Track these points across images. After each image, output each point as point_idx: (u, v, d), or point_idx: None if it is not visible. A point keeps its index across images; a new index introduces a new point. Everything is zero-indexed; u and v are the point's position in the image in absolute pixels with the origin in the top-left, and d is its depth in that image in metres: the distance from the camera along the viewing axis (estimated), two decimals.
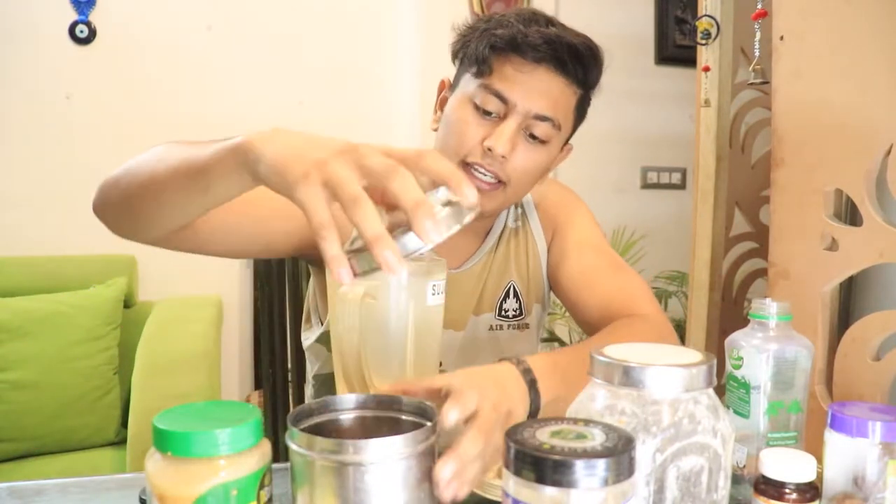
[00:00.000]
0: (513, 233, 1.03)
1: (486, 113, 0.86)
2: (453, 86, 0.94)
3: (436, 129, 0.94)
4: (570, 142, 0.97)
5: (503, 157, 0.85)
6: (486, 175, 0.86)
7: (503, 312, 1.00)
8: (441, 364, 0.95)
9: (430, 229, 0.48)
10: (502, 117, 0.86)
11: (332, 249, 0.49)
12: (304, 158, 0.52)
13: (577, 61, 0.86)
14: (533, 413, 0.66)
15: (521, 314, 1.01)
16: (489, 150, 0.85)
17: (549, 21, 0.89)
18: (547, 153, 0.89)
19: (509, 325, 1.01)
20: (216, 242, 0.82)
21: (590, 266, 0.99)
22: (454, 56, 0.94)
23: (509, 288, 1.01)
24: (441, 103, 0.95)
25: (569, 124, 0.91)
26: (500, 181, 0.87)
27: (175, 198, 0.66)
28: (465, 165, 0.87)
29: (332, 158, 0.51)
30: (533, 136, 0.87)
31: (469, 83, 0.89)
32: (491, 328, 1.00)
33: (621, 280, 0.97)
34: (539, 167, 0.89)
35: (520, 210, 1.05)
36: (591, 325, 0.99)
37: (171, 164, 0.65)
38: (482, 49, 0.87)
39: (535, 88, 0.85)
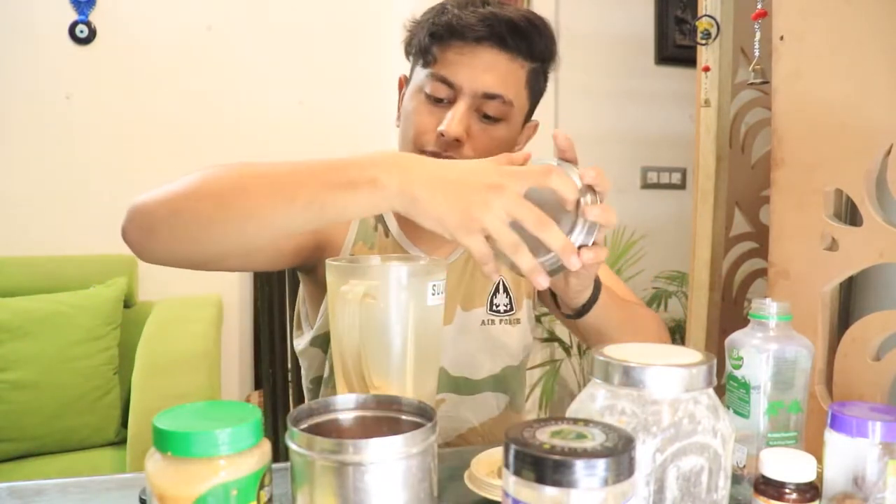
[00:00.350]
0: None
1: (438, 100, 0.88)
2: (408, 81, 0.95)
3: (399, 126, 0.95)
4: (535, 118, 0.97)
5: (457, 140, 0.85)
6: None
7: (494, 307, 1.00)
8: None
9: (573, 263, 0.62)
10: (452, 102, 0.87)
11: (525, 263, 0.62)
12: (460, 210, 0.60)
13: (517, 35, 0.86)
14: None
15: (511, 309, 1.01)
16: (442, 134, 0.85)
17: (485, 2, 0.89)
18: (506, 130, 0.89)
19: (501, 321, 1.01)
20: (237, 261, 0.85)
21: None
22: (406, 52, 0.96)
23: (499, 283, 1.01)
24: (401, 100, 0.97)
25: (522, 99, 0.91)
26: None
27: (276, 222, 0.66)
28: (423, 155, 0.87)
29: (486, 212, 0.60)
30: (486, 116, 0.87)
31: (418, 74, 0.90)
32: (483, 323, 0.99)
33: (616, 286, 1.01)
34: (500, 146, 0.88)
35: None
36: (577, 333, 1.05)
37: (265, 192, 0.65)
38: (424, 39, 0.89)
39: (478, 68, 0.86)
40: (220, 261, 0.78)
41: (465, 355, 0.98)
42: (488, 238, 0.62)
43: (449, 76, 0.86)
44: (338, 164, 0.65)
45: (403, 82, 0.98)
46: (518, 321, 1.02)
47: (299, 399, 1.29)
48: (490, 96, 0.86)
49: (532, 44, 0.88)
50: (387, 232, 0.98)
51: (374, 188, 0.62)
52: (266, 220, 0.66)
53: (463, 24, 0.85)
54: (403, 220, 0.98)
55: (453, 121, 0.85)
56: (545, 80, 0.95)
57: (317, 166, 0.65)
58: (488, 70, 0.86)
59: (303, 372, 1.07)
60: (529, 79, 0.90)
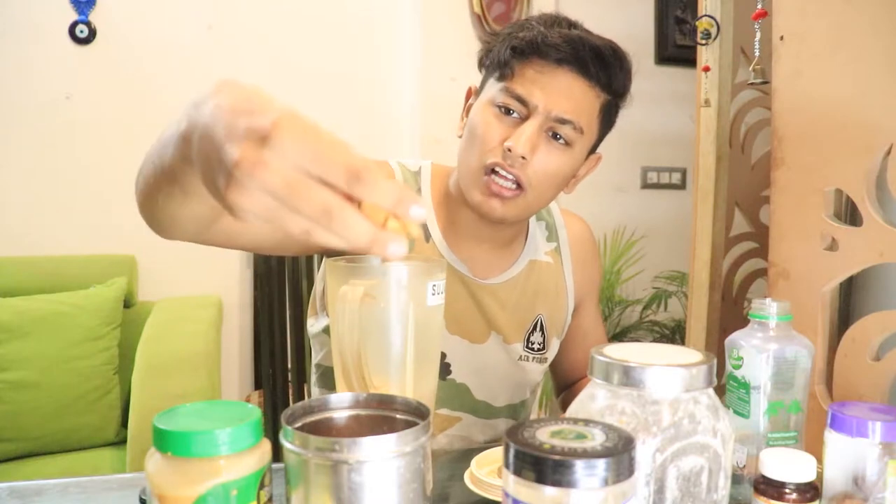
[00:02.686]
0: (545, 267, 1.03)
1: (508, 113, 0.86)
2: (479, 92, 0.94)
3: (461, 136, 0.94)
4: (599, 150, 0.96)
5: (523, 157, 0.84)
6: (507, 179, 0.86)
7: (530, 345, 1.01)
8: (451, 370, 0.96)
9: (393, 250, 0.42)
10: (523, 119, 0.85)
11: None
12: (224, 151, 0.41)
13: (600, 63, 0.85)
14: None
15: (543, 348, 1.02)
16: (509, 150, 0.84)
17: (573, 24, 0.88)
18: (570, 157, 0.88)
19: (534, 358, 1.01)
20: (240, 237, 0.76)
21: (589, 323, 1.11)
22: (480, 64, 0.94)
23: (537, 321, 1.01)
24: (467, 110, 0.95)
25: (593, 129, 0.89)
26: (520, 186, 0.86)
27: (167, 204, 0.59)
28: (487, 169, 0.86)
29: (269, 161, 0.40)
30: (556, 137, 0.86)
31: (492, 87, 0.89)
32: (520, 358, 1.00)
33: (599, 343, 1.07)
34: (561, 171, 0.88)
35: (554, 244, 1.05)
36: (561, 371, 1.13)
37: (154, 165, 0.57)
38: (504, 53, 0.87)
39: (556, 90, 0.84)
40: (208, 239, 0.71)
41: (493, 384, 0.99)
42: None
43: (525, 94, 0.85)
44: (174, 126, 0.51)
45: (472, 93, 0.96)
46: (546, 360, 1.03)
47: (299, 399, 1.29)
48: (563, 121, 0.85)
49: (612, 75, 0.86)
50: (427, 236, 0.96)
51: (182, 139, 0.49)
52: (162, 204, 0.60)
53: (548, 43, 0.83)
54: (447, 227, 0.97)
55: (522, 137, 0.83)
56: (616, 114, 0.93)
57: (165, 134, 0.54)
58: (565, 94, 0.84)
59: (312, 354, 1.07)
60: (603, 110, 0.89)
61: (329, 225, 0.40)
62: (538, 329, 1.01)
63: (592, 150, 0.93)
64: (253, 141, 0.40)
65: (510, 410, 1.02)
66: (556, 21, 0.87)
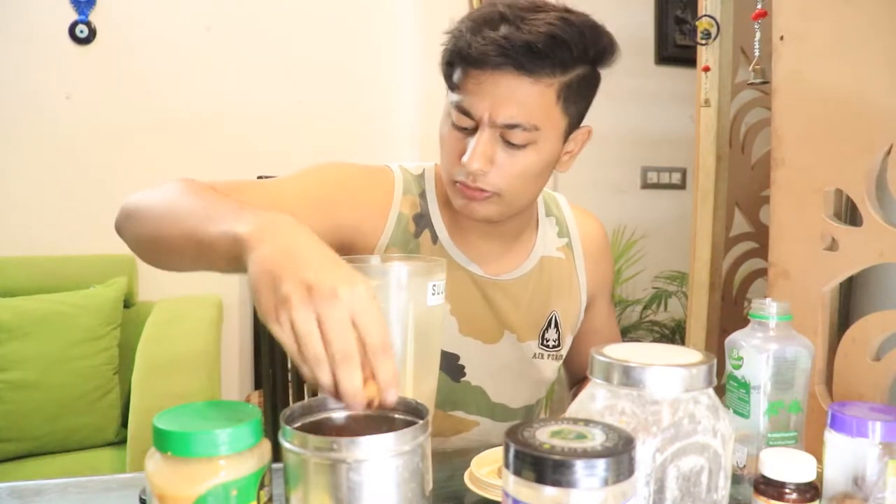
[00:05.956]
0: (557, 263, 1.02)
1: (463, 128, 0.84)
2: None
3: None
4: (586, 123, 0.91)
5: (482, 171, 0.82)
6: (475, 189, 0.85)
7: (545, 342, 1.00)
8: (465, 372, 0.95)
9: (357, 409, 0.51)
10: (473, 131, 0.83)
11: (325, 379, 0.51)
12: (275, 293, 0.52)
13: (536, 57, 0.78)
14: None
15: (558, 345, 1.02)
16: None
17: (504, 17, 0.80)
18: (535, 153, 0.84)
19: (549, 356, 1.01)
20: None
21: (601, 319, 1.10)
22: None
23: (552, 318, 1.00)
24: None
25: (554, 118, 0.83)
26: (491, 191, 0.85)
27: (185, 258, 0.68)
28: (454, 184, 0.87)
29: (298, 307, 0.51)
30: (511, 143, 0.83)
31: (447, 98, 0.87)
32: (535, 356, 1.00)
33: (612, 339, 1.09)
34: (530, 169, 0.85)
35: (566, 240, 1.04)
36: (575, 366, 1.12)
37: (180, 227, 0.66)
38: (443, 66, 0.86)
39: (497, 97, 0.80)
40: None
41: (509, 384, 0.98)
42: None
43: (468, 107, 0.82)
44: (229, 209, 0.63)
45: None
46: (560, 357, 1.03)
47: (299, 399, 1.29)
48: (510, 126, 0.81)
49: (557, 60, 0.80)
50: (434, 238, 0.95)
51: (236, 241, 0.58)
52: (178, 255, 0.69)
53: (476, 51, 0.79)
54: (453, 228, 0.96)
55: (475, 153, 0.81)
56: (592, 82, 0.87)
57: (214, 208, 0.65)
58: (506, 99, 0.80)
59: None
60: (563, 93, 0.83)
61: (339, 365, 0.50)
62: (553, 326, 1.00)
63: (572, 128, 0.88)
64: (306, 289, 0.51)
65: (527, 412, 1.01)
66: (485, 21, 0.81)
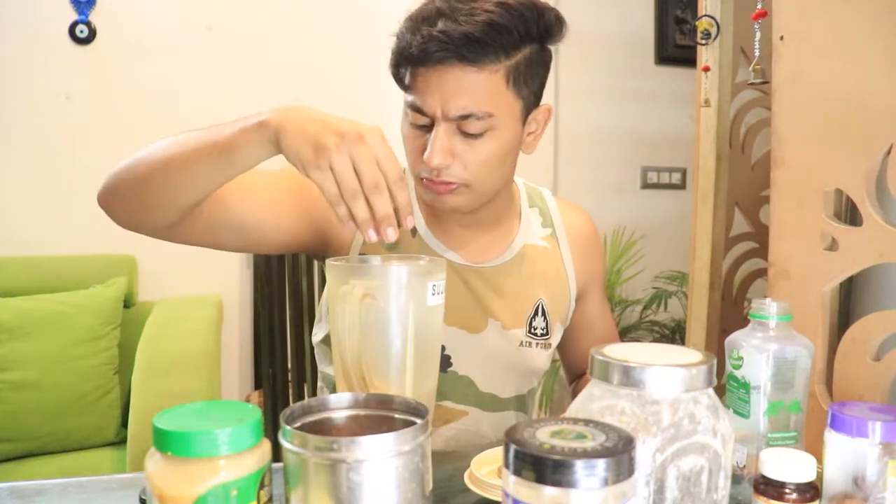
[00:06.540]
0: (541, 251, 1.02)
1: (421, 126, 0.86)
2: None
3: None
4: (545, 101, 0.92)
5: (444, 165, 0.84)
6: (441, 183, 0.86)
7: (532, 330, 1.00)
8: (451, 362, 0.95)
9: (390, 235, 0.70)
10: (430, 128, 0.84)
11: (359, 212, 0.69)
12: (314, 145, 0.68)
13: (476, 46, 0.80)
14: None
15: (547, 333, 1.01)
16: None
17: (441, 13, 0.82)
18: (495, 139, 0.85)
19: (537, 344, 1.00)
20: (214, 234, 0.86)
21: (595, 311, 1.10)
22: None
23: (538, 306, 1.00)
24: None
25: (508, 101, 0.84)
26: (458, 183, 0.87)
27: (198, 171, 0.75)
28: (421, 181, 0.88)
29: (336, 153, 0.67)
30: (468, 134, 0.84)
31: (403, 98, 0.88)
32: (521, 344, 0.99)
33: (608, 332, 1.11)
34: (493, 155, 0.85)
35: (550, 230, 1.04)
36: (572, 361, 1.13)
37: (192, 145, 0.74)
38: (391, 68, 0.88)
39: (444, 91, 0.82)
40: (179, 232, 0.83)
41: (498, 374, 0.98)
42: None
43: (421, 105, 0.84)
44: (228, 122, 0.75)
45: None
46: (550, 345, 1.02)
47: (299, 399, 1.29)
48: (463, 117, 0.82)
49: (499, 46, 0.81)
50: (413, 231, 0.96)
51: (261, 126, 0.71)
52: (189, 171, 0.75)
53: (416, 50, 0.81)
54: (431, 219, 0.97)
55: (434, 150, 0.83)
56: (543, 58, 0.88)
57: (228, 122, 0.75)
58: (456, 91, 0.81)
59: (317, 362, 1.07)
60: (511, 77, 0.84)
61: (372, 193, 0.68)
62: (540, 314, 1.00)
63: (529, 109, 0.89)
64: (340, 136, 0.68)
65: (518, 402, 1.01)
66: (423, 18, 0.83)
